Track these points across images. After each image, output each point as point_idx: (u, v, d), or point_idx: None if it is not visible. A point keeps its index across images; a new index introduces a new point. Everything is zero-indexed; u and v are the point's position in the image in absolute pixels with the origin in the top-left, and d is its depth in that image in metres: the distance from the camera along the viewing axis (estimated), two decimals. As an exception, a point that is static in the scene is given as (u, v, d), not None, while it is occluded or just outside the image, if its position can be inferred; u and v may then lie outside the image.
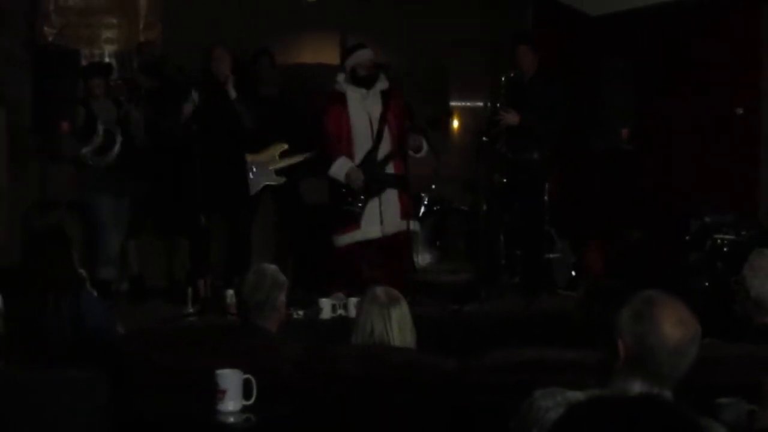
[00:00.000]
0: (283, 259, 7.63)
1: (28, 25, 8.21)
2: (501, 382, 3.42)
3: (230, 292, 6.57)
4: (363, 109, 7.16)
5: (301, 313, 6.49)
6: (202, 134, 6.92)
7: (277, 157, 7.79)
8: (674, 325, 2.51)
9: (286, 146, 7.80)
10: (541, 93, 7.44)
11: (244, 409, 3.42)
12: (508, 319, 6.80)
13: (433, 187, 8.50)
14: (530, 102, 7.42)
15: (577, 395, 2.46)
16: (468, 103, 9.64)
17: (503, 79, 7.63)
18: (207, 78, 7.18)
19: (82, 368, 3.72)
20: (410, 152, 7.20)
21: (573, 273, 8.14)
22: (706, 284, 6.97)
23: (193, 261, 7.30)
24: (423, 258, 8.39)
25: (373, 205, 7.12)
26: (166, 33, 8.60)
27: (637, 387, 2.50)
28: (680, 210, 7.70)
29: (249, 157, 7.53)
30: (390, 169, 7.19)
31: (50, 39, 8.19)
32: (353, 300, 6.26)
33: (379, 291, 3.91)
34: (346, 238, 7.12)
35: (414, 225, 7.31)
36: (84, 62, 7.62)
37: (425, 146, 7.21)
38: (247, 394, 3.43)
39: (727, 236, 7.04)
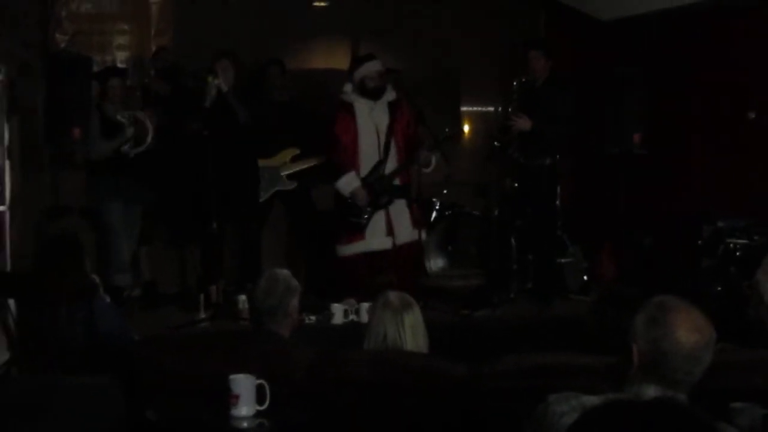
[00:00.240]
0: (295, 264, 7.63)
1: (41, 32, 8.25)
2: (514, 388, 3.41)
3: (242, 297, 6.58)
4: (371, 120, 7.17)
5: (313, 318, 6.50)
6: (212, 141, 6.93)
7: (288, 162, 7.80)
8: (689, 330, 2.51)
9: (297, 151, 7.82)
10: (553, 98, 7.43)
11: (258, 414, 3.42)
12: (520, 324, 6.81)
13: (445, 192, 8.50)
14: (542, 107, 7.42)
15: (592, 400, 2.45)
16: (479, 108, 9.64)
17: (515, 84, 7.63)
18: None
19: (95, 374, 3.72)
20: (423, 169, 7.20)
21: (585, 278, 8.12)
22: (719, 289, 6.94)
23: (205, 267, 7.31)
24: (434, 263, 8.39)
25: (378, 217, 7.13)
26: (177, 39, 8.62)
27: (651, 392, 2.50)
28: (693, 215, 7.68)
29: (260, 163, 7.55)
30: (396, 180, 7.20)
31: (62, 45, 8.22)
32: (365, 305, 6.27)
33: (392, 296, 3.91)
34: (350, 249, 7.14)
35: (423, 234, 7.31)
36: (96, 69, 7.63)
37: (434, 161, 7.20)
38: (260, 399, 3.44)
39: (739, 241, 7.02)
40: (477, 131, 9.50)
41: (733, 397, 3.08)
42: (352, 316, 6.53)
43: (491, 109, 9.55)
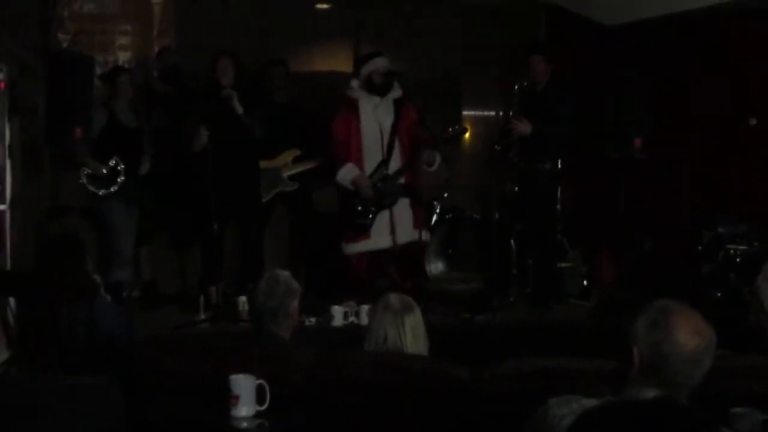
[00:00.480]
0: (296, 266, 7.63)
1: (42, 32, 8.25)
2: (515, 391, 3.41)
3: (242, 298, 6.59)
4: (374, 118, 7.17)
5: (313, 320, 6.51)
6: (213, 143, 6.93)
7: (290, 163, 7.81)
8: (689, 333, 2.52)
9: (298, 152, 7.83)
10: (554, 102, 7.44)
11: (258, 415, 3.43)
12: (520, 328, 6.82)
13: (446, 195, 8.50)
14: (543, 111, 7.42)
15: (592, 402, 2.46)
16: (480, 112, 9.64)
17: (516, 88, 7.63)
18: (213, 88, 7.19)
19: (95, 374, 3.72)
20: (423, 167, 7.20)
21: (585, 282, 8.13)
22: (719, 295, 6.95)
23: (205, 268, 7.32)
24: (435, 266, 8.39)
25: (383, 215, 7.13)
26: (179, 40, 8.63)
27: (651, 395, 2.50)
28: (693, 220, 7.69)
29: (262, 164, 7.56)
30: (401, 179, 7.20)
31: (64, 45, 8.22)
32: (365, 307, 6.28)
33: (393, 298, 3.91)
34: (355, 248, 7.14)
35: (425, 235, 7.31)
36: (98, 69, 7.63)
37: (438, 160, 7.20)
38: (260, 400, 3.44)
39: (740, 247, 7.02)
40: (478, 135, 9.49)
41: (734, 403, 3.08)
42: (352, 318, 6.54)
43: (492, 113, 9.55)
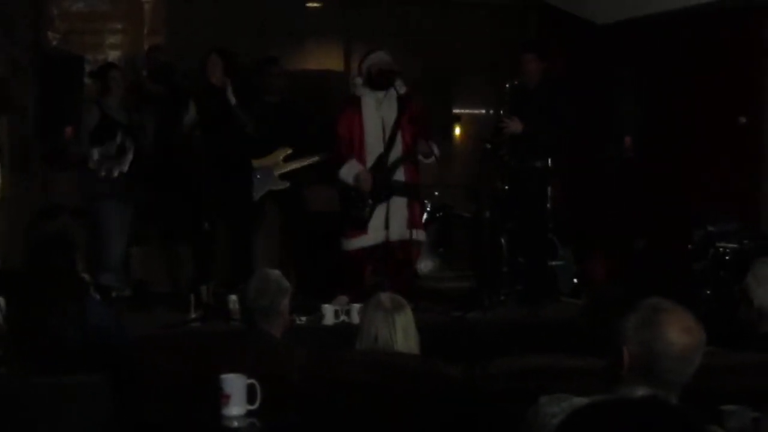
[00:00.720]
0: (287, 265, 7.63)
1: (33, 31, 8.23)
2: (507, 390, 3.42)
3: (233, 297, 6.58)
4: (377, 114, 7.16)
5: (303, 319, 6.51)
6: (205, 140, 6.92)
7: (281, 162, 7.81)
8: (680, 332, 2.53)
9: (290, 151, 7.82)
10: (546, 101, 7.43)
11: (249, 414, 3.43)
12: (511, 326, 6.81)
13: (436, 193, 8.50)
14: (535, 110, 7.41)
15: (583, 401, 2.46)
16: (471, 111, 9.65)
17: (508, 86, 7.62)
18: (205, 85, 7.19)
19: (86, 373, 3.72)
20: (420, 158, 7.20)
21: (576, 280, 8.14)
22: (709, 293, 6.96)
23: (196, 267, 7.30)
24: (425, 265, 8.39)
25: (380, 210, 7.11)
26: (170, 39, 8.62)
27: (641, 393, 2.51)
28: (683, 219, 7.70)
29: (253, 162, 7.55)
30: (401, 176, 7.18)
31: (54, 44, 8.21)
32: (356, 306, 6.27)
33: (384, 297, 3.91)
34: (354, 243, 7.13)
35: (418, 234, 7.31)
36: (88, 67, 7.62)
37: (436, 151, 7.20)
38: (251, 399, 3.44)
39: (730, 245, 7.04)
40: (468, 133, 9.51)
41: (724, 400, 3.09)
42: (342, 317, 6.54)
43: (482, 111, 9.56)
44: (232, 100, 7.12)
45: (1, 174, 7.13)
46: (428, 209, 8.41)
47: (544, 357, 3.61)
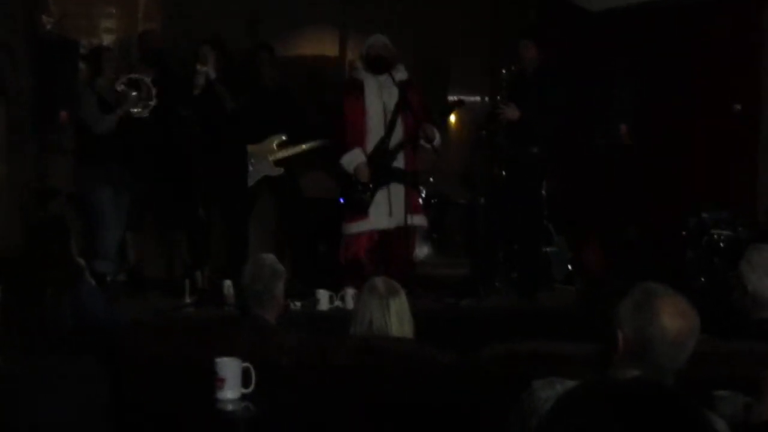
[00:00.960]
0: (281, 251, 7.63)
1: (27, 15, 8.19)
2: (500, 375, 3.42)
3: (228, 282, 6.58)
4: (379, 98, 7.15)
5: (298, 304, 6.50)
6: (200, 127, 6.92)
7: (275, 148, 7.80)
8: (674, 316, 2.53)
9: (284, 137, 7.82)
10: (543, 88, 7.41)
11: (243, 398, 3.44)
12: (506, 313, 6.83)
13: (432, 180, 8.49)
14: (531, 97, 7.39)
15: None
16: (466, 98, 9.63)
17: (504, 73, 7.61)
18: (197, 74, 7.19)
19: (81, 358, 3.72)
20: (422, 142, 7.17)
21: (570, 267, 8.15)
22: (703, 280, 6.98)
23: (191, 253, 7.30)
24: (420, 251, 8.39)
25: (382, 195, 7.10)
26: (164, 23, 8.59)
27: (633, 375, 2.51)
28: (677, 206, 7.71)
29: (248, 149, 7.55)
30: (400, 163, 7.18)
31: (48, 28, 8.17)
32: (351, 291, 6.28)
33: (379, 282, 3.92)
34: (354, 227, 7.11)
35: (419, 219, 7.30)
36: (83, 52, 7.60)
37: (438, 137, 7.18)
38: (246, 383, 3.45)
39: (723, 232, 7.06)
40: (464, 120, 9.50)
41: (717, 386, 3.10)
42: (337, 303, 6.54)
43: (478, 98, 9.55)
44: (212, 74, 7.11)
45: (-5, 159, 7.12)
46: (423, 196, 8.41)
47: (538, 343, 3.61)
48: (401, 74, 7.19)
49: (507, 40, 7.94)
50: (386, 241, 7.14)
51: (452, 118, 9.57)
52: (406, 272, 6.83)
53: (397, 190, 7.13)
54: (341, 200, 7.30)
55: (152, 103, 7.21)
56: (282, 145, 7.82)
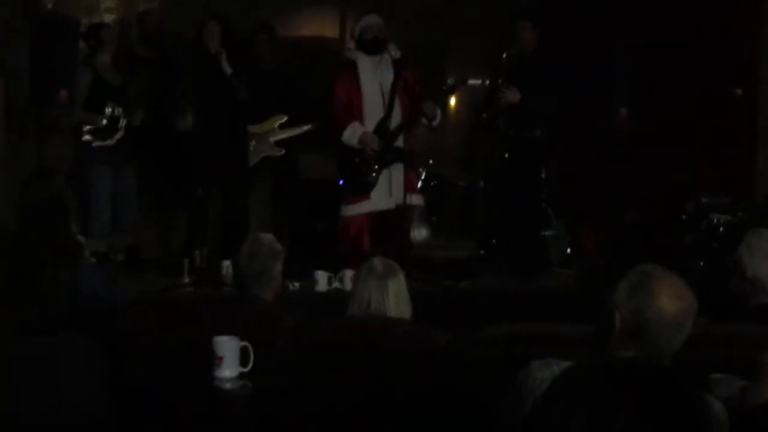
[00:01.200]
0: (279, 232, 7.63)
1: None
2: (496, 356, 3.43)
3: (226, 262, 6.57)
4: (375, 78, 7.08)
5: (297, 284, 6.50)
6: (199, 108, 6.91)
7: (276, 129, 7.79)
8: (671, 298, 2.54)
9: (285, 118, 7.81)
10: (543, 70, 7.39)
11: (241, 376, 3.45)
12: (504, 295, 6.82)
13: (431, 161, 8.48)
14: (531, 79, 7.37)
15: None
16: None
17: (504, 56, 7.58)
18: (200, 52, 7.17)
19: (78, 336, 3.73)
20: (424, 120, 7.13)
21: (568, 251, 8.14)
22: (702, 264, 6.98)
23: (190, 232, 7.30)
24: (419, 233, 8.39)
25: (383, 176, 7.07)
26: (164, 3, 8.57)
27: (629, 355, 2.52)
28: (676, 190, 7.71)
29: (249, 129, 7.54)
30: (400, 142, 7.15)
31: (49, 7, 8.15)
32: (349, 272, 6.27)
33: (377, 262, 3.92)
34: (355, 209, 7.06)
35: (416, 199, 7.28)
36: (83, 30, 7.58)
37: (439, 115, 7.15)
38: (244, 362, 3.46)
39: (723, 216, 7.05)
40: (462, 103, 9.48)
41: (713, 369, 3.10)
42: (335, 284, 6.53)
43: (479, 81, 9.52)
44: (228, 70, 7.10)
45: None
46: (422, 178, 8.40)
47: (534, 324, 3.62)
48: (395, 52, 7.14)
49: (504, 22, 7.90)
50: (384, 221, 7.12)
51: (452, 100, 9.55)
52: (403, 252, 6.82)
53: (397, 170, 7.10)
54: (341, 182, 7.25)
55: (114, 138, 7.21)
56: (283, 126, 7.81)
